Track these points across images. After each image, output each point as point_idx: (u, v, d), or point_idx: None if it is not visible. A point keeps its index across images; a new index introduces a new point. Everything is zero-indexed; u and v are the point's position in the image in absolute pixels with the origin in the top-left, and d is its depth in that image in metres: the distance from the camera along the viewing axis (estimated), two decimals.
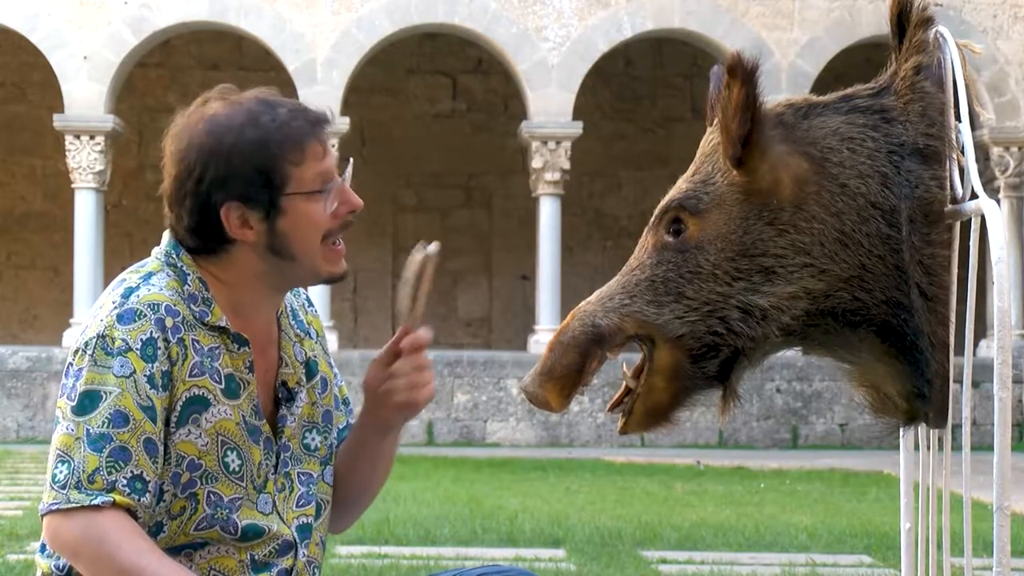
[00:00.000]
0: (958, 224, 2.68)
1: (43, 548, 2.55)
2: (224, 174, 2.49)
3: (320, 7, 17.75)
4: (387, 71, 20.87)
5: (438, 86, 21.71)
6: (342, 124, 17.69)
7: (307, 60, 17.73)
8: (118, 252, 19.98)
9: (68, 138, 17.74)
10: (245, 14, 17.73)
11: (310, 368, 2.67)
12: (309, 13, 17.73)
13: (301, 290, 2.76)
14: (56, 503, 2.41)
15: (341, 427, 2.75)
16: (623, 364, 2.76)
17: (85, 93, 17.65)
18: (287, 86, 16.82)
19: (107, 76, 17.64)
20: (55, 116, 17.91)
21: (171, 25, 17.81)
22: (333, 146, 19.40)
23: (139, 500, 2.42)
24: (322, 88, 17.57)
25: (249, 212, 2.50)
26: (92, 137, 17.68)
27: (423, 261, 2.57)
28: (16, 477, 12.18)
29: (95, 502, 2.39)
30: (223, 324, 2.53)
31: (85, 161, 17.67)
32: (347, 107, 17.98)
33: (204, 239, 2.53)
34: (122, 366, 2.43)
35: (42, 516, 2.45)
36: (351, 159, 2.68)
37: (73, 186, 17.88)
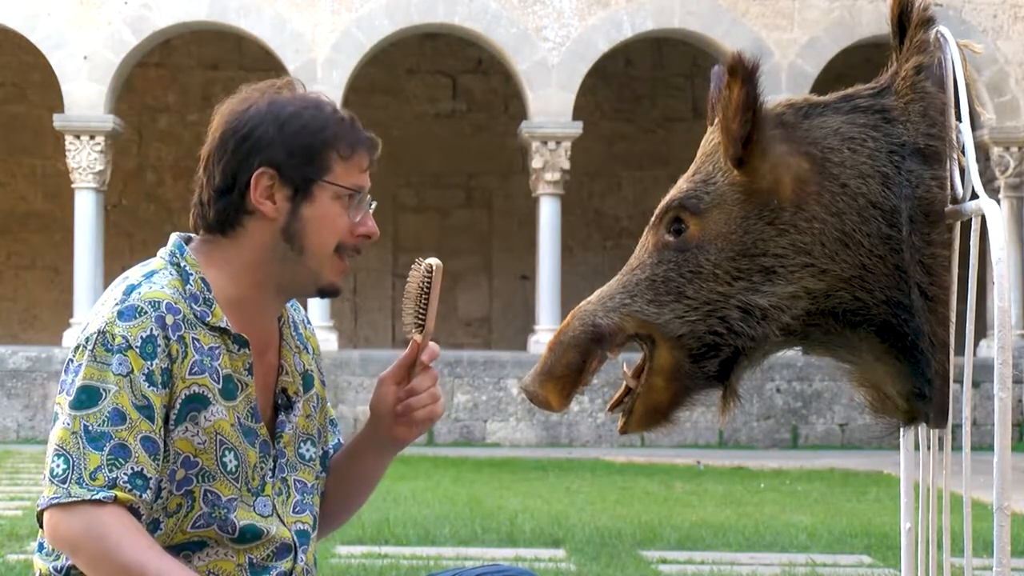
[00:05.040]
0: (958, 224, 2.68)
1: (40, 547, 2.54)
2: (271, 136, 2.50)
3: (320, 7, 17.75)
4: (387, 71, 20.88)
5: (438, 86, 21.71)
6: None
7: (307, 60, 17.73)
8: (118, 252, 19.98)
9: (68, 138, 17.74)
10: (245, 14, 17.72)
11: (307, 382, 2.68)
12: (309, 13, 17.73)
13: (300, 307, 2.76)
14: (56, 497, 2.40)
15: (333, 444, 2.76)
16: (623, 364, 2.76)
17: (85, 93, 17.64)
18: None
19: (107, 76, 17.64)
20: (55, 116, 17.90)
21: (171, 25, 17.81)
22: None
23: (140, 496, 2.42)
24: (322, 88, 17.55)
25: (279, 185, 2.51)
26: (92, 137, 17.67)
27: (427, 273, 2.57)
28: (16, 477, 12.18)
29: (97, 497, 2.39)
30: (224, 325, 2.53)
31: (85, 161, 17.67)
32: (347, 107, 17.84)
33: (224, 207, 2.52)
34: (120, 364, 2.43)
35: (41, 511, 2.44)
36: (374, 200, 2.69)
37: (73, 186, 17.88)
